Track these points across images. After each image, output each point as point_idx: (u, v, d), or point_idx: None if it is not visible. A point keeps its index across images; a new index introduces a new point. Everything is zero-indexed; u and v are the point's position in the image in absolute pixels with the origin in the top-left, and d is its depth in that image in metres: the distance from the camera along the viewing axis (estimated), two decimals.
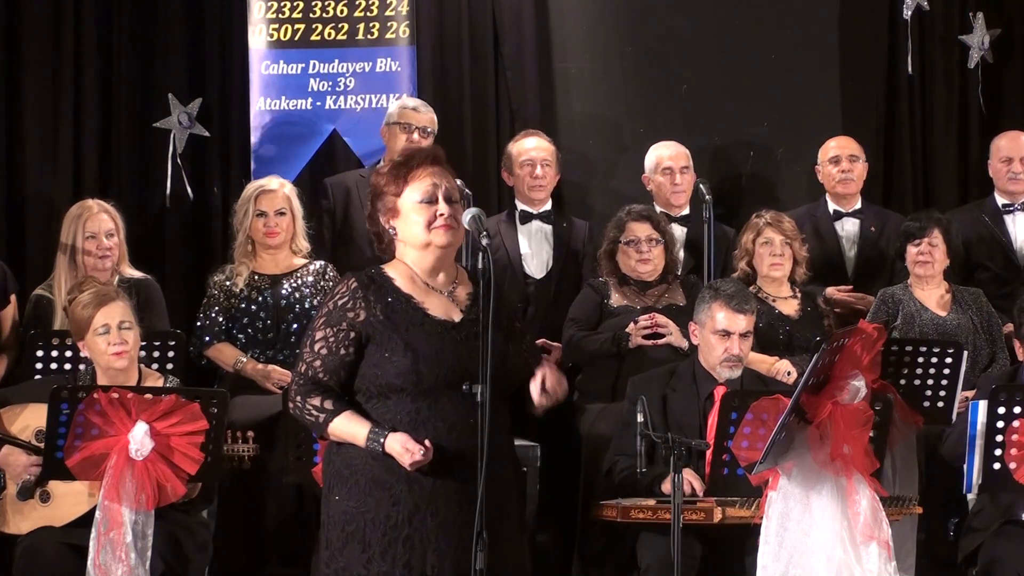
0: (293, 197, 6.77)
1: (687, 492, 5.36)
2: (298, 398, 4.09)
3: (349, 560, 4.03)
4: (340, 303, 4.08)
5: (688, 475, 5.45)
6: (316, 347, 4.07)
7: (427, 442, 3.98)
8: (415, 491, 4.02)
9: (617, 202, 7.24)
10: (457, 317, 4.11)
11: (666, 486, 5.52)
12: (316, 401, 4.06)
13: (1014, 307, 6.10)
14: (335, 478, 4.09)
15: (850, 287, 7.19)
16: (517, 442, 4.33)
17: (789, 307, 6.77)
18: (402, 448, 3.97)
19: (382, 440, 3.99)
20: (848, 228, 7.41)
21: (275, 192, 6.73)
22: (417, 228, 4.11)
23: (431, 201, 4.11)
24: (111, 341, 5.42)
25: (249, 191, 6.78)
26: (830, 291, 7.09)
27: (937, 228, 6.83)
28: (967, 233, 7.30)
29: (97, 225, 6.49)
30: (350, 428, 4.04)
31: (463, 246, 4.53)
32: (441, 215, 4.09)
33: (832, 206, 7.41)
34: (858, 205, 7.43)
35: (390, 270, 4.15)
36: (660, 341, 6.55)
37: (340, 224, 7.18)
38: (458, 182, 4.20)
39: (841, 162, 7.37)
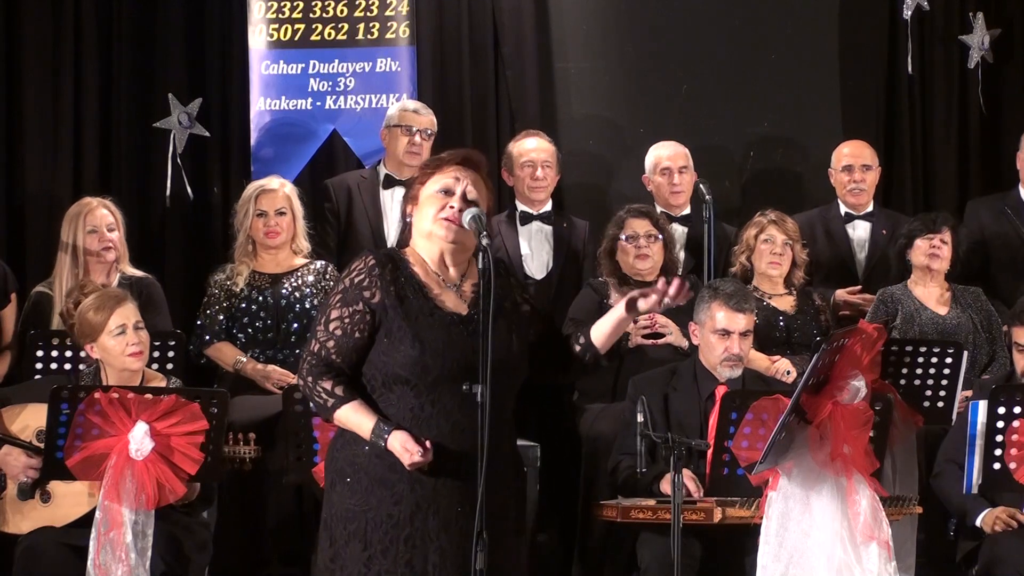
0: (294, 197, 6.77)
1: (683, 494, 5.36)
2: (309, 378, 4.06)
3: (350, 558, 4.01)
4: (356, 280, 4.05)
5: (686, 477, 5.45)
6: (331, 326, 4.04)
7: (427, 443, 3.96)
8: (417, 490, 4.00)
9: (617, 202, 7.26)
10: (465, 311, 4.09)
11: (663, 486, 5.53)
12: (327, 385, 4.03)
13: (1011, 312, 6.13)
14: (337, 475, 4.07)
15: (859, 288, 7.18)
16: (517, 442, 4.33)
17: (785, 303, 6.78)
18: (402, 448, 3.95)
19: (386, 436, 3.97)
20: (859, 231, 7.41)
21: (275, 192, 6.73)
22: (425, 217, 4.11)
23: (448, 193, 4.11)
24: (129, 341, 5.43)
25: (250, 191, 6.78)
26: (840, 293, 7.09)
27: (947, 226, 6.85)
28: (987, 225, 7.31)
29: (97, 219, 6.51)
30: (356, 418, 4.01)
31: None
32: (451, 207, 4.08)
33: (844, 209, 7.41)
34: (870, 208, 7.43)
35: (407, 255, 4.14)
36: (660, 341, 6.56)
37: (343, 225, 7.19)
38: None
39: (854, 172, 7.36)
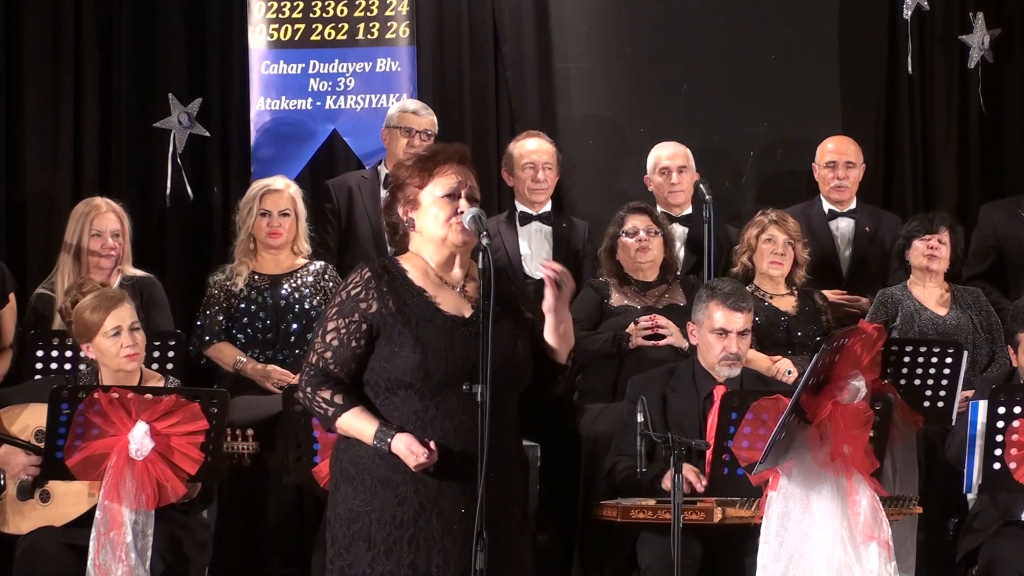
0: (298, 199, 6.78)
1: (686, 490, 5.36)
2: (308, 389, 4.09)
3: (354, 558, 4.04)
4: (353, 293, 4.07)
5: (687, 470, 5.45)
6: (327, 338, 4.07)
7: (432, 444, 3.98)
8: (421, 491, 4.02)
9: (617, 202, 7.25)
10: (468, 313, 4.11)
11: (666, 483, 5.53)
12: (326, 394, 4.06)
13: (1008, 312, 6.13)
14: (341, 476, 4.09)
15: (843, 291, 7.17)
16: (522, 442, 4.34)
17: (786, 304, 6.78)
18: (407, 450, 3.97)
19: (389, 440, 4.00)
20: (843, 228, 7.41)
21: (281, 192, 6.74)
22: (436, 222, 4.11)
23: (453, 196, 4.11)
24: (124, 343, 5.42)
25: (255, 190, 6.78)
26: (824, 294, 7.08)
27: (944, 226, 6.85)
28: (1001, 227, 7.30)
29: (104, 224, 6.52)
30: (358, 425, 4.04)
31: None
32: (461, 212, 4.09)
33: (827, 206, 7.42)
34: (853, 205, 7.43)
35: (404, 262, 4.15)
36: (661, 342, 6.56)
37: (344, 225, 7.19)
38: None
39: (837, 168, 7.37)
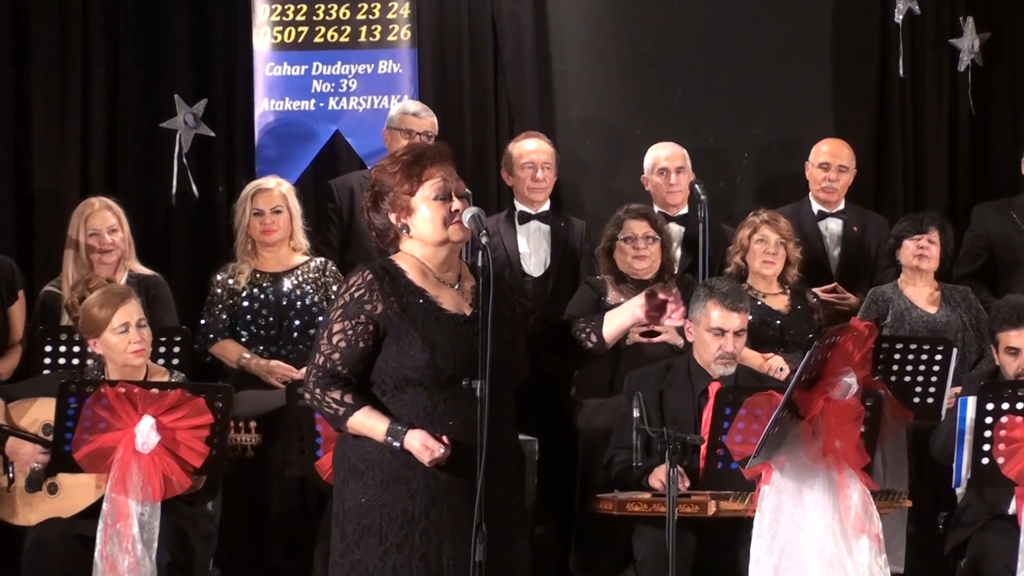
0: (290, 195, 6.81)
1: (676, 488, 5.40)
2: (317, 391, 4.09)
3: (365, 552, 4.05)
4: (357, 295, 4.08)
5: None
6: (334, 339, 4.07)
7: (445, 439, 4.02)
8: (432, 485, 4.05)
9: (614, 202, 7.29)
10: (468, 311, 4.14)
11: (653, 481, 5.60)
12: (335, 395, 4.07)
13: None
14: (350, 472, 4.11)
15: (834, 285, 7.24)
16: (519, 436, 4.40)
17: (779, 303, 6.81)
18: (422, 446, 4.00)
19: (401, 437, 4.02)
20: (832, 228, 7.44)
21: (271, 191, 6.77)
22: (433, 225, 4.13)
23: (446, 198, 4.15)
24: (131, 339, 5.45)
25: (247, 191, 6.82)
26: (815, 292, 7.14)
27: (934, 226, 6.90)
28: (994, 228, 7.34)
29: (99, 222, 6.56)
30: (369, 423, 4.05)
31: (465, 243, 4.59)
32: (456, 211, 4.12)
33: (816, 206, 7.44)
34: (841, 206, 7.46)
35: (400, 262, 4.17)
36: (656, 339, 6.62)
37: (346, 225, 7.24)
38: None
39: (829, 170, 7.39)
